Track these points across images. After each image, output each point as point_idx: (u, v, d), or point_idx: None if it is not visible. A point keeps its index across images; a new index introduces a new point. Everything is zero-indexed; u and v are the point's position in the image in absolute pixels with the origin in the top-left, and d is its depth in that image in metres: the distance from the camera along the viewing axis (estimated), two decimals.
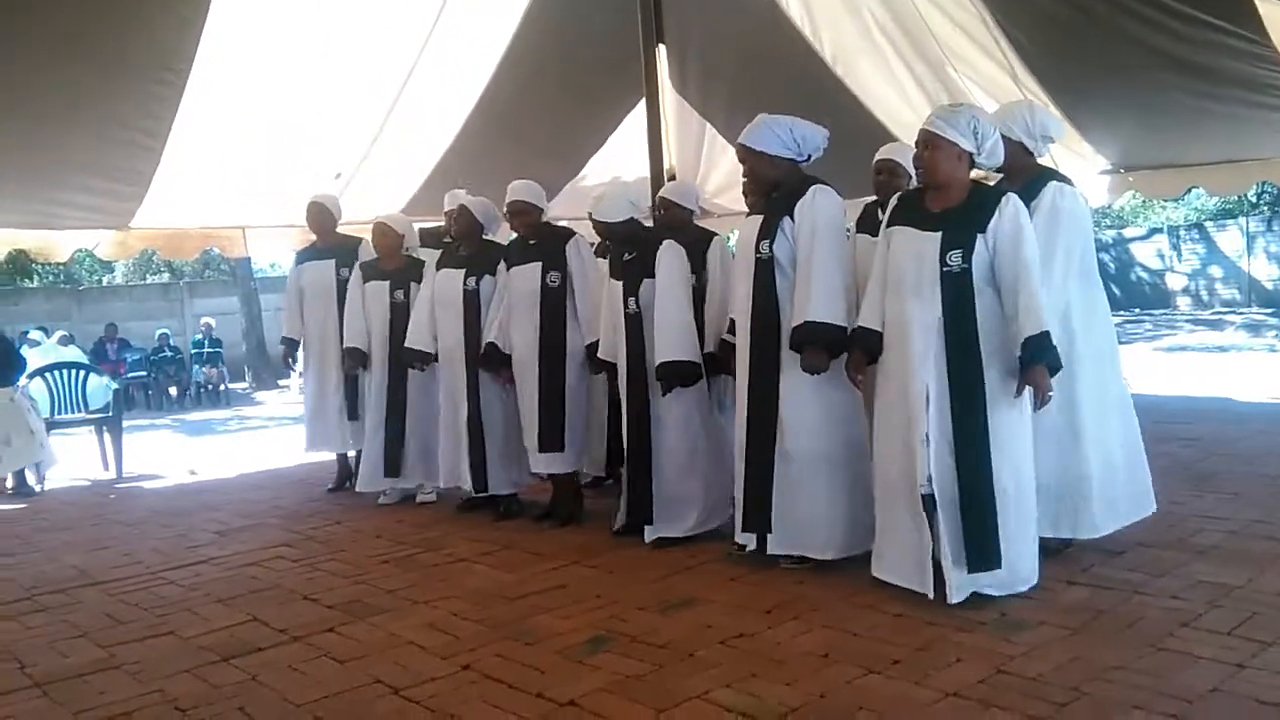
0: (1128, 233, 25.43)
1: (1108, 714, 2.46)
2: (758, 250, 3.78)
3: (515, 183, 4.91)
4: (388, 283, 5.58)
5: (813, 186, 3.75)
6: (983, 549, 3.21)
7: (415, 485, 5.67)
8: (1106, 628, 3.04)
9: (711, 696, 2.71)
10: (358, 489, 5.76)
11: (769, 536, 3.80)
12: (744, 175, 3.99)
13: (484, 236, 5.27)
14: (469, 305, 5.06)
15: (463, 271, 5.11)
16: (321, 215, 6.11)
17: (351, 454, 6.08)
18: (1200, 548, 3.79)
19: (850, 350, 3.57)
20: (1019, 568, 3.31)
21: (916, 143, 3.41)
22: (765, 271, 3.77)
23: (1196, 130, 5.94)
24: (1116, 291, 23.60)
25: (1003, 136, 3.52)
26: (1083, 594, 3.35)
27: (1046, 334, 3.16)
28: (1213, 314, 20.85)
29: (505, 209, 4.94)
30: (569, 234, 4.97)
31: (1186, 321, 19.70)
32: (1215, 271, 22.70)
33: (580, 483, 5.14)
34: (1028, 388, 3.23)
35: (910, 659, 2.89)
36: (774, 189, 3.86)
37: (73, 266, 23.69)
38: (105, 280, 26.04)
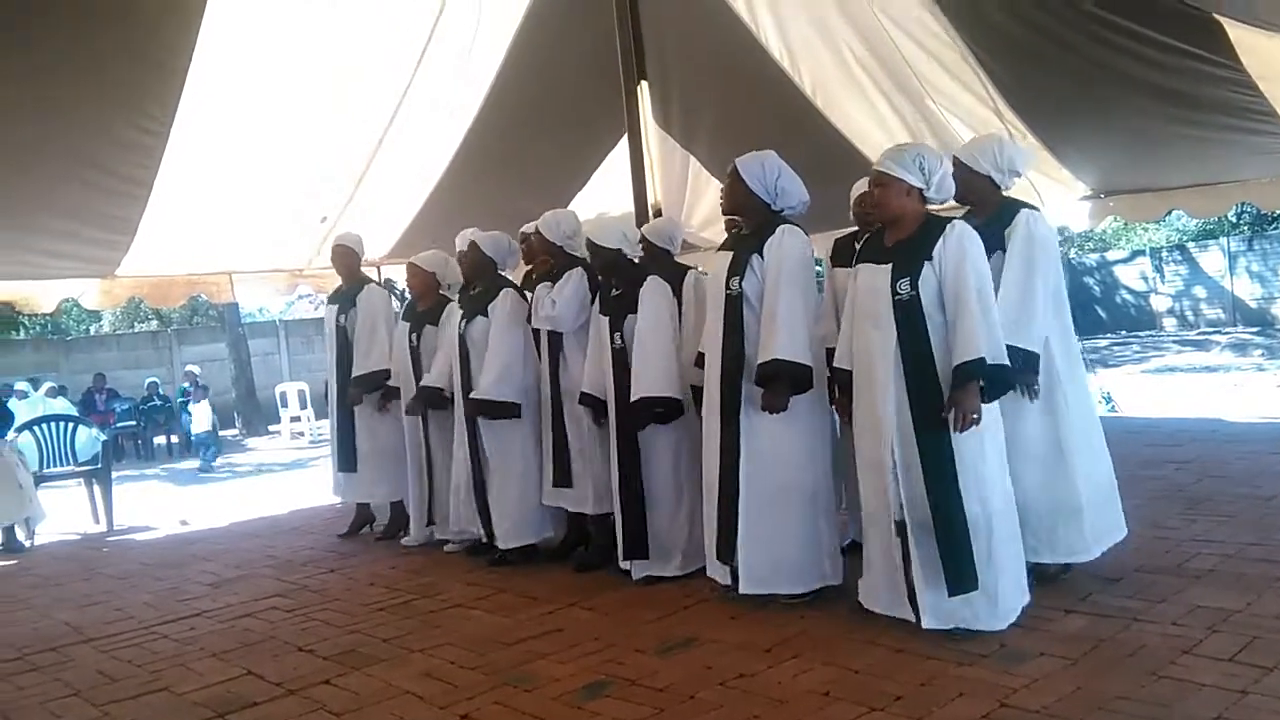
0: (1110, 255, 25.62)
1: None
2: (728, 286, 3.88)
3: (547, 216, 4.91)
4: (407, 325, 5.51)
5: (781, 226, 3.87)
6: (959, 572, 3.23)
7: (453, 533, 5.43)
8: (1107, 657, 3.03)
9: None
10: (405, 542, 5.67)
11: (739, 576, 3.78)
12: (721, 192, 4.12)
13: (499, 272, 5.19)
14: (462, 351, 5.00)
15: (460, 313, 5.10)
16: (346, 256, 6.05)
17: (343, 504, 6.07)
18: (1197, 572, 3.79)
19: (833, 393, 3.72)
20: (1002, 598, 3.29)
21: (869, 182, 3.56)
22: (734, 308, 3.87)
23: (1175, 154, 6.01)
24: (1102, 314, 23.75)
25: (970, 170, 3.71)
26: (1081, 623, 3.34)
27: (981, 360, 3.19)
28: (1199, 334, 20.98)
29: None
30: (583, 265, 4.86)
31: (1173, 342, 19.81)
32: (1199, 292, 22.87)
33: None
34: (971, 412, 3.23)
35: (912, 695, 2.87)
36: (736, 214, 4.07)
37: (60, 317, 23.60)
38: (93, 330, 25.94)
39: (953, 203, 3.76)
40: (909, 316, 3.32)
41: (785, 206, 3.94)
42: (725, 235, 4.52)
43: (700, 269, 4.98)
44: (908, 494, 3.31)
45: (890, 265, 3.37)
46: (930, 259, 3.31)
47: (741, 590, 3.78)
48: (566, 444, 4.72)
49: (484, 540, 5.04)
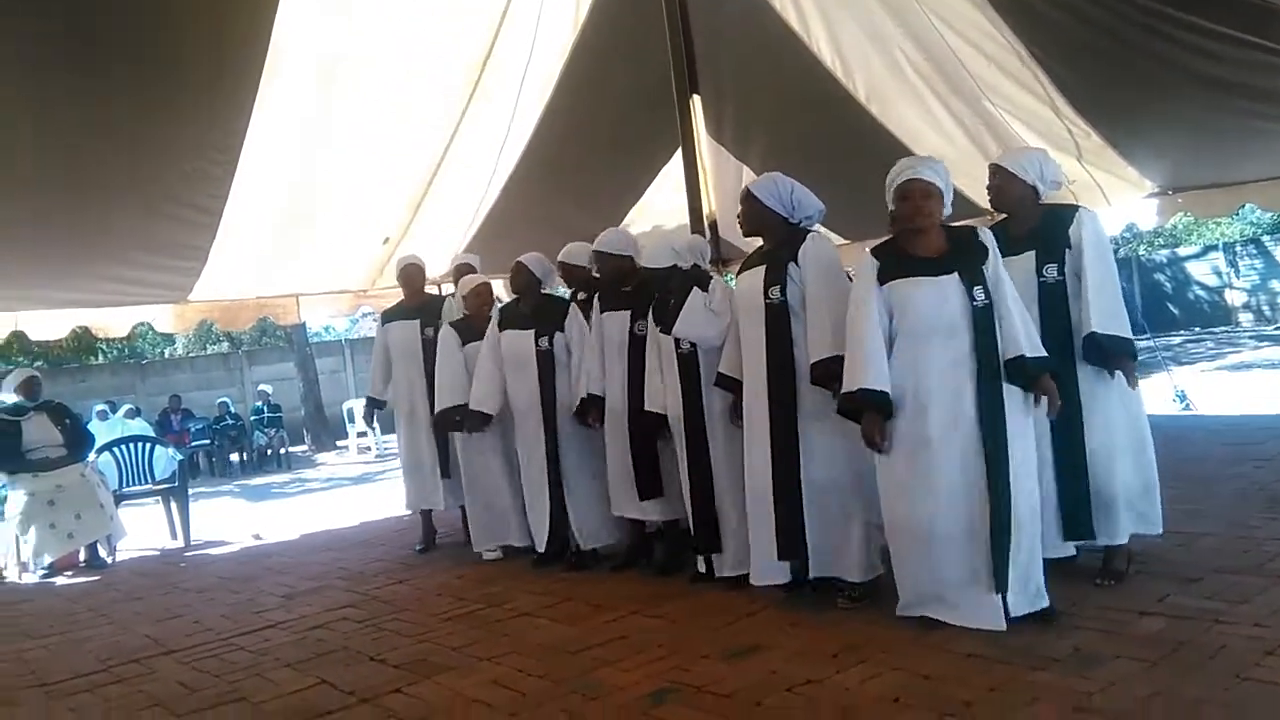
0: (1181, 251, 24.96)
1: None
2: (767, 296, 3.93)
3: (605, 233, 5.02)
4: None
5: (811, 234, 3.99)
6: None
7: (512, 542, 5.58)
8: (1187, 660, 2.95)
9: None
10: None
11: (810, 563, 3.90)
12: (738, 215, 4.22)
13: (543, 290, 5.38)
14: (544, 365, 5.14)
15: (532, 333, 5.18)
16: (416, 274, 6.19)
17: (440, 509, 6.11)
18: (1279, 572, 3.67)
19: (868, 414, 3.49)
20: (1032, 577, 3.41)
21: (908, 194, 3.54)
22: (778, 317, 3.92)
23: (1243, 147, 5.84)
24: (1174, 311, 23.12)
25: (1017, 178, 3.83)
26: (1159, 625, 3.26)
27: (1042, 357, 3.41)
28: (1276, 329, 20.31)
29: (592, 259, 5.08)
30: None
31: (1249, 338, 19.20)
32: (1276, 285, 22.15)
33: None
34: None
35: (984, 700, 2.83)
36: (758, 234, 4.13)
37: (136, 341, 24.38)
38: (167, 353, 26.75)
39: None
40: (983, 322, 3.40)
41: (803, 217, 4.05)
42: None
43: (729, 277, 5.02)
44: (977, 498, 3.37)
45: (955, 275, 3.40)
46: (985, 265, 3.44)
47: (812, 574, 3.90)
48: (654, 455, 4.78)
49: (540, 549, 5.20)
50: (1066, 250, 3.74)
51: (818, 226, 4.17)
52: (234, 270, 7.11)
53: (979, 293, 3.38)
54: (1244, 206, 7.17)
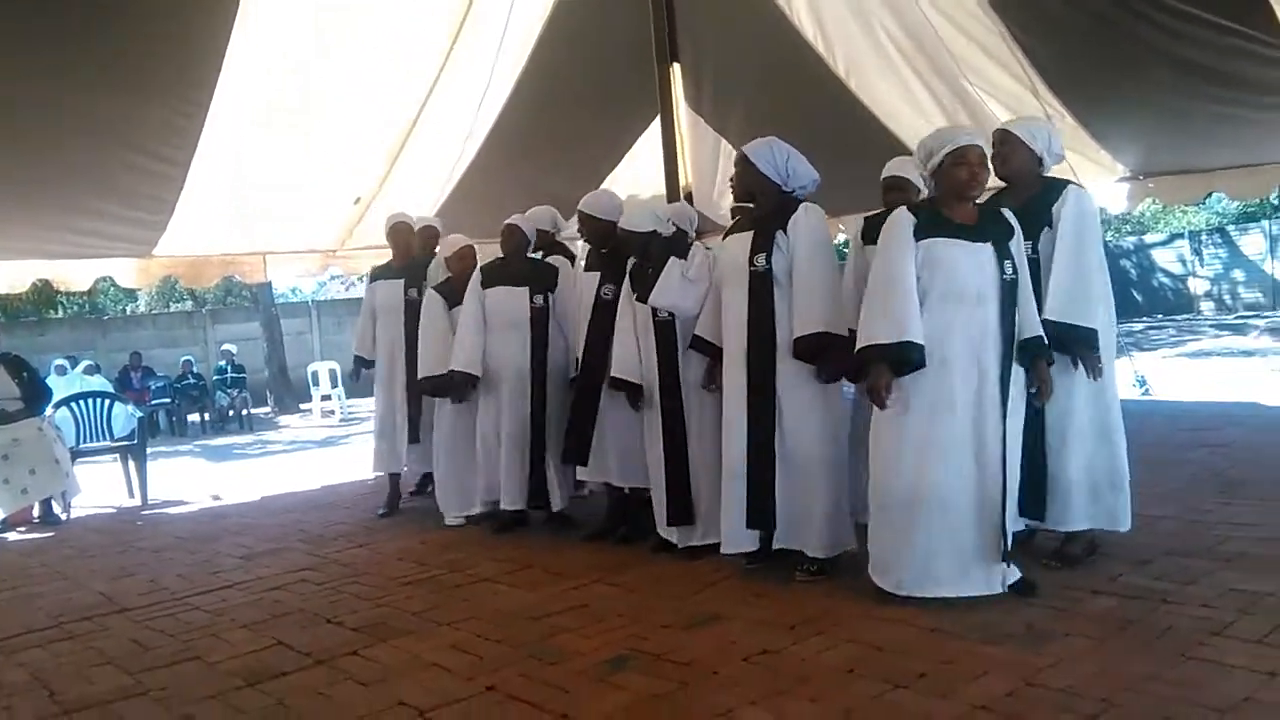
0: (1148, 238, 25.26)
1: None
2: (752, 263, 3.89)
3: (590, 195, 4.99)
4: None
5: (804, 204, 3.93)
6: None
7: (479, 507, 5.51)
8: (1135, 638, 3.00)
9: (736, 714, 2.69)
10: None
11: (776, 533, 3.92)
12: (730, 179, 4.19)
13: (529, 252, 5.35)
14: (537, 323, 5.12)
15: (526, 290, 5.16)
16: (404, 233, 6.10)
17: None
18: (1229, 555, 3.74)
19: (887, 367, 3.38)
20: None
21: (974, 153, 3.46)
22: (763, 284, 3.89)
23: (1215, 135, 5.89)
24: (1138, 297, 23.43)
25: (1026, 146, 3.75)
26: (1110, 603, 3.31)
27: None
28: (1237, 318, 20.64)
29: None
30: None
31: (1210, 326, 19.50)
32: (1238, 275, 22.52)
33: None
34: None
35: (936, 672, 2.86)
36: (750, 200, 4.08)
37: (97, 296, 24.00)
38: (129, 309, 26.35)
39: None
40: (1010, 296, 3.41)
41: (797, 186, 4.00)
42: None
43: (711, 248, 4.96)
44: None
45: (990, 244, 3.41)
46: (1011, 240, 3.47)
47: (775, 545, 3.91)
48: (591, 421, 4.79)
49: (514, 510, 5.20)
50: (1046, 228, 3.68)
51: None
52: (200, 225, 6.98)
53: (1008, 266, 3.40)
54: (1211, 194, 7.24)
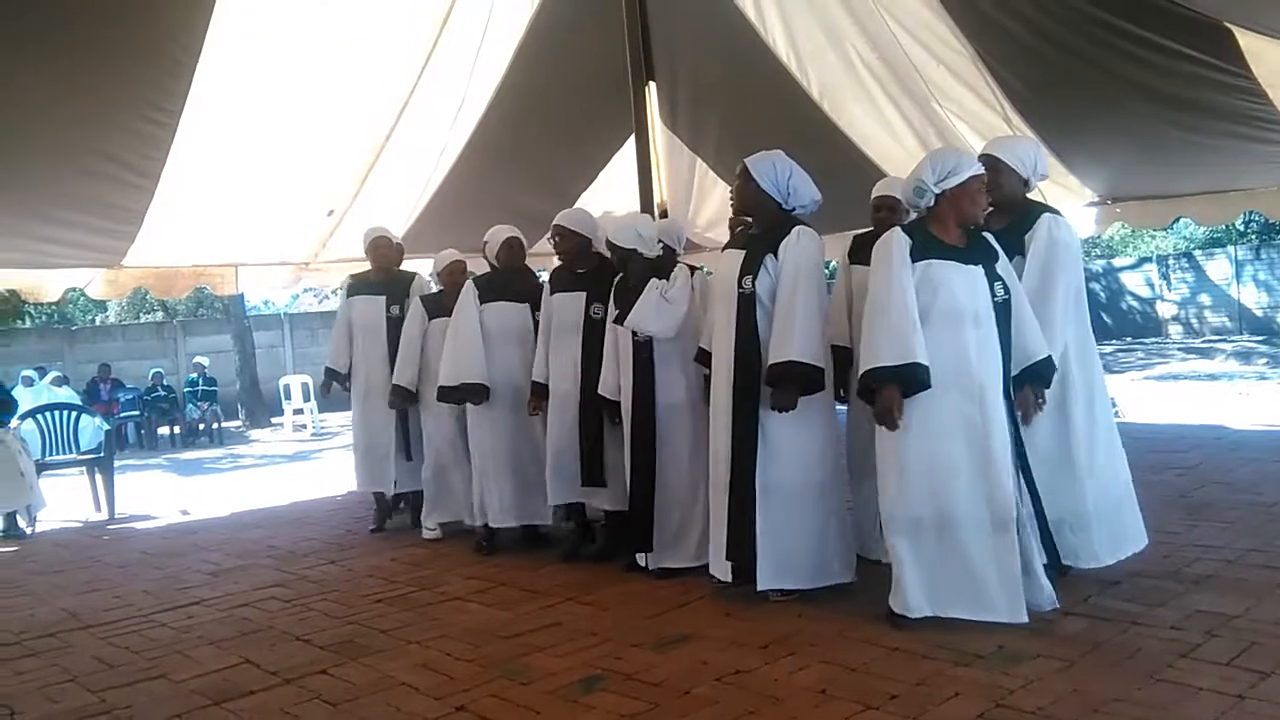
0: (1117, 262, 25.57)
1: None
2: (740, 285, 3.86)
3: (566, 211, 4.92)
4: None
5: (797, 227, 3.85)
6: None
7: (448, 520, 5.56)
8: (1105, 659, 3.02)
9: None
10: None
11: (757, 571, 3.78)
12: (731, 192, 4.11)
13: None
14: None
15: (527, 306, 5.09)
16: (385, 247, 5.98)
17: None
18: (1197, 577, 3.78)
19: (893, 388, 3.35)
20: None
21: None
22: (748, 306, 3.84)
23: (1182, 161, 5.99)
24: (1108, 320, 23.70)
25: (1010, 168, 3.74)
26: (1080, 625, 3.34)
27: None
28: (1204, 342, 20.93)
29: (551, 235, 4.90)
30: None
31: (1178, 350, 19.77)
32: (1205, 299, 22.84)
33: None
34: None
35: (908, 694, 2.86)
36: (747, 214, 4.03)
37: (66, 307, 23.67)
38: (99, 320, 26.00)
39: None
40: (1003, 317, 3.45)
41: (797, 205, 3.93)
42: (729, 235, 4.50)
43: (705, 269, 4.96)
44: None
45: (980, 267, 3.45)
46: (998, 261, 3.52)
47: (760, 587, 3.79)
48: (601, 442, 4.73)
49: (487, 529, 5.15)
50: (1019, 256, 3.67)
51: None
52: (171, 236, 6.90)
53: (999, 288, 3.44)
54: (1178, 219, 7.35)
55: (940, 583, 3.39)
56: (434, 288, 5.78)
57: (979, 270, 3.44)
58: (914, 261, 3.41)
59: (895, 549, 3.43)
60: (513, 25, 6.67)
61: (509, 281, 5.20)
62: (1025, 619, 3.29)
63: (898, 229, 3.52)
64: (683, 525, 4.37)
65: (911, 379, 3.31)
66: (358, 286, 6.09)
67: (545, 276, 5.42)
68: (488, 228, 5.39)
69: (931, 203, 3.50)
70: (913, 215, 3.74)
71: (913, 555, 3.40)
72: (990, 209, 3.74)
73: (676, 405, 4.35)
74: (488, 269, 5.42)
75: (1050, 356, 3.51)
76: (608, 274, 4.62)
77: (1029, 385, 3.53)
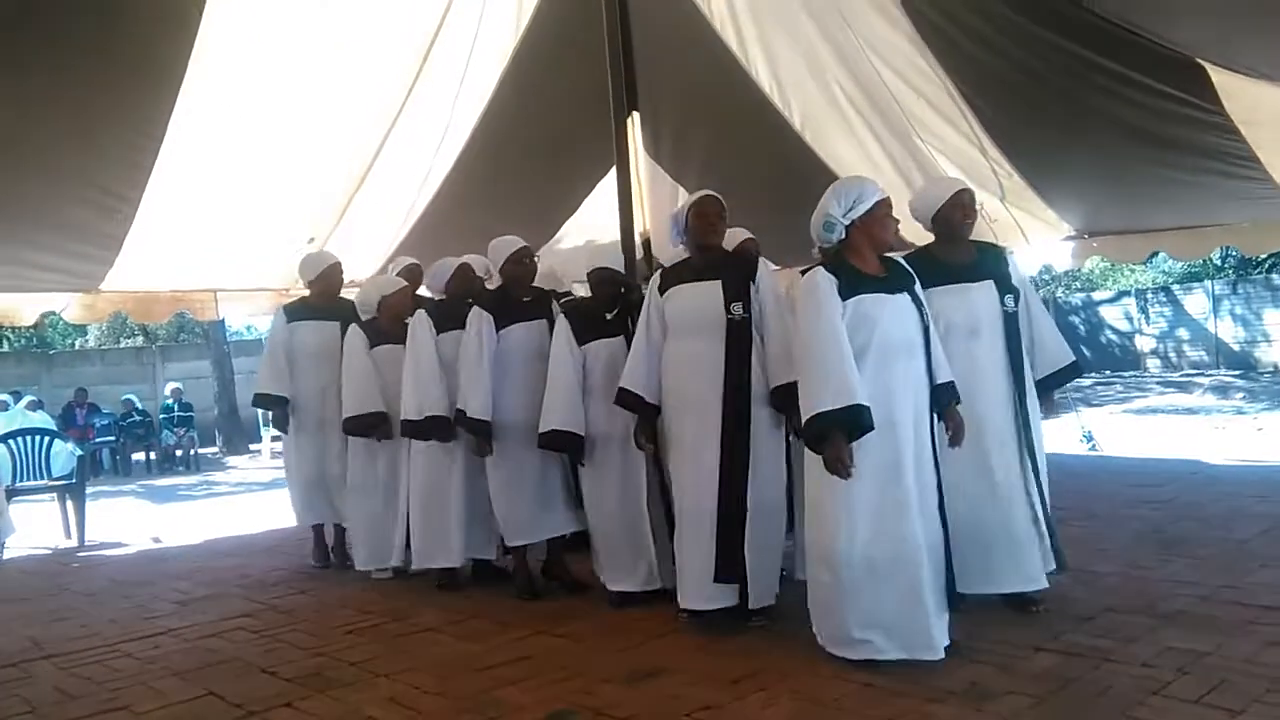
0: (1096, 295, 25.80)
1: None
2: (729, 312, 3.95)
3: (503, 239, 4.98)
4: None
5: (760, 258, 4.15)
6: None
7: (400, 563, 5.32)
8: (1076, 696, 3.00)
9: None
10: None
11: (749, 592, 3.85)
12: (715, 221, 4.10)
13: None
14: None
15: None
16: (339, 275, 6.03)
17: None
18: (1169, 613, 3.77)
19: (840, 436, 3.26)
20: None
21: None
22: (741, 333, 3.95)
23: (1158, 196, 6.05)
24: (1087, 353, 23.84)
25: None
26: (1051, 661, 3.32)
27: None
28: (1181, 375, 21.07)
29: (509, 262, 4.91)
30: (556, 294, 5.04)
31: (1156, 383, 19.90)
32: (1183, 333, 23.02)
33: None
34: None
35: None
36: (720, 247, 4.18)
37: (44, 330, 23.48)
38: (77, 344, 25.80)
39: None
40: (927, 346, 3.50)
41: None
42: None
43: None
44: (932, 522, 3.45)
45: (904, 294, 3.46)
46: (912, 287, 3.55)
47: (752, 606, 3.86)
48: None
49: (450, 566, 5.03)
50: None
51: None
52: (151, 261, 6.85)
53: (925, 313, 3.53)
54: (1155, 254, 7.43)
55: (879, 623, 3.33)
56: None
57: (904, 298, 3.44)
58: (843, 300, 3.33)
59: (828, 588, 3.39)
60: (496, 56, 6.70)
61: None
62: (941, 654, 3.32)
63: (819, 269, 3.43)
64: (627, 550, 4.42)
65: (854, 422, 3.21)
66: (301, 311, 5.93)
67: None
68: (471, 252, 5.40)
69: (843, 235, 3.46)
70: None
71: (849, 594, 3.33)
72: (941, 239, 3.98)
73: (621, 438, 4.33)
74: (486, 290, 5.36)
75: (951, 382, 3.55)
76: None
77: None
